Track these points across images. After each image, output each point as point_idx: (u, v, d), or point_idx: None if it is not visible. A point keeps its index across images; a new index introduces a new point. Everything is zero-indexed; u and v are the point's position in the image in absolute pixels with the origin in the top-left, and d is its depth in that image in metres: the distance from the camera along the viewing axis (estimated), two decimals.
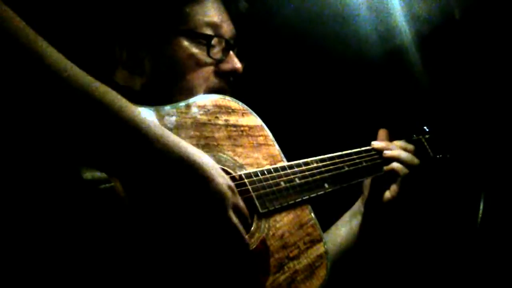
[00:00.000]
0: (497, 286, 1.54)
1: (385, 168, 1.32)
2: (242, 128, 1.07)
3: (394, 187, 1.30)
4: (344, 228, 1.37)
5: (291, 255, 0.99)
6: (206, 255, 0.79)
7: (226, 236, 0.78)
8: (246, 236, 0.82)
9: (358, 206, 1.40)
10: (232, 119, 1.06)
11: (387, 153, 1.33)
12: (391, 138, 1.42)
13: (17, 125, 0.65)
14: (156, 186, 0.72)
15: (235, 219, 0.79)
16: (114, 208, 0.73)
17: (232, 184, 0.81)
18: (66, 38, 0.67)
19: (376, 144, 1.34)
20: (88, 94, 0.66)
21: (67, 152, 0.69)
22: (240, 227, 0.79)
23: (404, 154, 1.33)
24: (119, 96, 0.70)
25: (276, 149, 1.12)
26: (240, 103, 1.10)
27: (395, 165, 1.31)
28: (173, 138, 0.74)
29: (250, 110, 1.12)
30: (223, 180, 0.78)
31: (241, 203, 0.82)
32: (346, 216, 1.41)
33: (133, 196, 0.73)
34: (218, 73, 1.18)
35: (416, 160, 1.34)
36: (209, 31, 1.16)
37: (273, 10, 1.72)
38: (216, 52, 1.18)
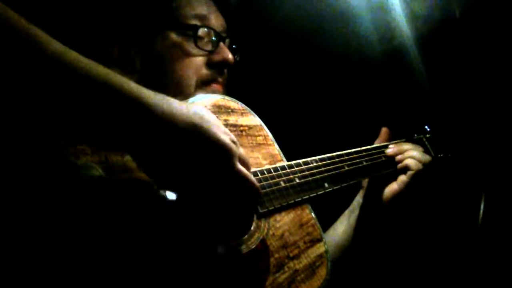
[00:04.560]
0: (497, 286, 1.54)
1: (399, 166, 1.31)
2: (241, 128, 1.07)
3: (403, 178, 1.30)
4: (343, 225, 1.37)
5: (291, 254, 0.98)
6: (222, 209, 0.80)
7: (238, 185, 0.80)
8: (256, 183, 0.84)
9: (357, 200, 1.39)
10: (232, 119, 1.06)
11: (399, 157, 1.32)
12: (392, 138, 1.42)
13: (19, 121, 0.65)
14: (165, 151, 0.73)
15: (243, 169, 0.81)
16: (112, 208, 0.73)
17: (234, 137, 0.82)
18: (59, 37, 0.67)
19: (390, 151, 1.33)
20: (90, 75, 0.66)
21: (76, 134, 0.70)
22: (249, 174, 0.82)
23: (416, 153, 1.32)
24: (116, 73, 0.70)
25: (275, 148, 1.12)
26: (240, 103, 1.10)
27: (409, 161, 1.30)
28: (175, 105, 0.75)
29: (250, 110, 1.11)
30: (225, 135, 0.80)
31: (244, 154, 0.84)
32: (345, 213, 1.40)
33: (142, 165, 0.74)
34: (209, 64, 1.18)
35: (428, 157, 1.34)
36: (196, 22, 1.17)
37: (273, 8, 1.72)
38: (205, 43, 1.18)
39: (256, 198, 0.85)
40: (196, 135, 0.75)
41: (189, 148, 0.74)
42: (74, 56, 0.66)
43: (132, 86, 0.71)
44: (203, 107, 0.81)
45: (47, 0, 1.18)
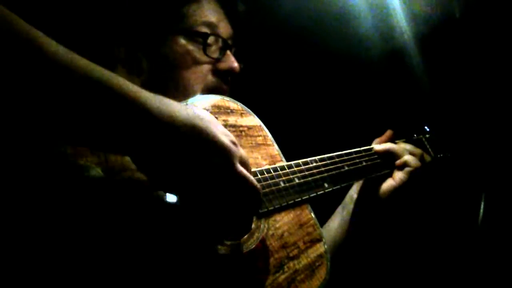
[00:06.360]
0: (497, 286, 1.54)
1: (397, 162, 1.32)
2: (241, 128, 1.07)
3: (401, 175, 1.30)
4: (336, 221, 1.37)
5: (291, 254, 0.98)
6: (222, 210, 0.79)
7: (238, 186, 0.79)
8: (257, 183, 0.83)
9: (349, 195, 1.39)
10: (231, 120, 1.06)
11: (399, 152, 1.33)
12: (392, 138, 1.42)
13: (18, 122, 0.65)
14: (164, 154, 0.72)
15: (243, 170, 0.80)
16: (112, 209, 0.73)
17: (234, 139, 0.82)
18: (66, 38, 0.67)
19: (385, 146, 1.35)
20: (89, 75, 0.66)
21: (74, 137, 0.69)
22: (249, 175, 0.81)
23: (415, 150, 1.35)
24: (115, 75, 0.70)
25: (275, 149, 1.12)
26: (239, 103, 1.10)
27: (407, 157, 1.32)
28: (175, 106, 0.75)
29: (249, 110, 1.11)
30: (225, 136, 0.80)
31: (244, 155, 0.84)
32: (338, 209, 1.40)
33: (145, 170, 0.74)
34: (215, 72, 1.19)
35: (427, 157, 1.35)
36: (205, 30, 1.18)
37: (273, 9, 1.72)
38: (213, 51, 1.19)
39: (257, 199, 0.84)
40: (196, 137, 0.75)
41: (188, 150, 0.74)
42: (73, 57, 0.66)
43: (131, 88, 0.70)
44: (202, 109, 0.81)
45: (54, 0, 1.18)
